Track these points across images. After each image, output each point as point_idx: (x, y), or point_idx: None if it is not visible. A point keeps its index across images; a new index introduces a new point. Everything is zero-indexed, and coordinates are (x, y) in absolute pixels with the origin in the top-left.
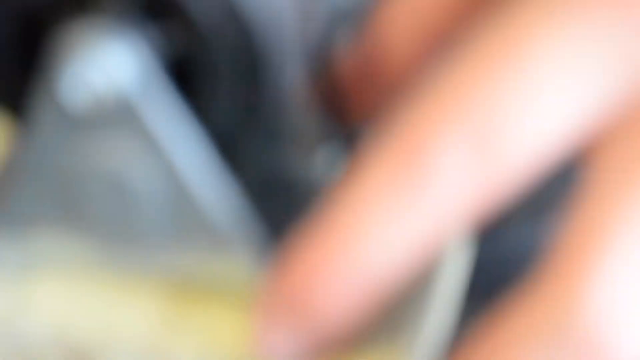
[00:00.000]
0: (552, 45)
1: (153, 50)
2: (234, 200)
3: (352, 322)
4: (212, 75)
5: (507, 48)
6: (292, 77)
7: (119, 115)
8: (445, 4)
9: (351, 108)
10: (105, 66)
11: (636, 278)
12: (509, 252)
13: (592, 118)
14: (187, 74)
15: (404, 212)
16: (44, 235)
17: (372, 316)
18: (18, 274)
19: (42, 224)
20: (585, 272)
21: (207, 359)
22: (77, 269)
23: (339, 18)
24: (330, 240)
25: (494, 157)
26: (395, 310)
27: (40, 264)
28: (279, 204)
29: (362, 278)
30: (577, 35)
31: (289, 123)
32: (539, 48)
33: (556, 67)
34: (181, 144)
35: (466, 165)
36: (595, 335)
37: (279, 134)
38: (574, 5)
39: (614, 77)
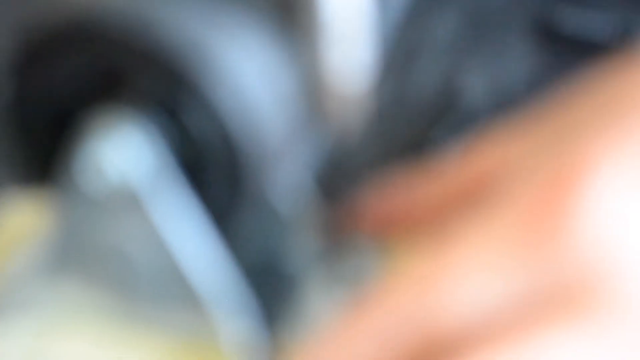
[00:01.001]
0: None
1: (165, 142)
2: (225, 279)
3: None
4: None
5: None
6: (283, 176)
7: (124, 200)
8: None
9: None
10: (119, 154)
11: None
12: None
13: None
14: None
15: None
16: (62, 300)
17: None
18: (37, 337)
19: (61, 289)
20: None
21: None
22: (89, 329)
23: None
24: None
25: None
26: None
27: (57, 326)
28: (268, 285)
29: None
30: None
31: (276, 214)
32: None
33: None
34: (179, 228)
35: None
36: None
37: (266, 222)
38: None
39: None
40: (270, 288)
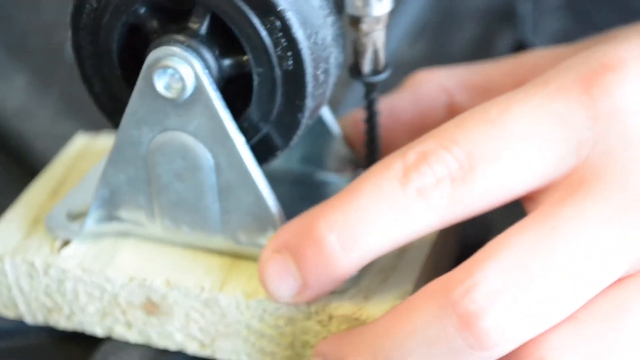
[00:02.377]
0: (526, 125)
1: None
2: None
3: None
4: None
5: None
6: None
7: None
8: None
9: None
10: (184, 69)
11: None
12: None
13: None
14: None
15: (394, 213)
16: (131, 213)
17: None
18: (106, 240)
19: (130, 203)
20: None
21: (247, 306)
22: (151, 241)
23: None
24: (335, 217)
25: (465, 188)
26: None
27: (124, 235)
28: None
29: (354, 250)
30: (544, 121)
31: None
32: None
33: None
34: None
35: (442, 187)
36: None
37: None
38: (542, 97)
39: (560, 155)
40: (309, 194)
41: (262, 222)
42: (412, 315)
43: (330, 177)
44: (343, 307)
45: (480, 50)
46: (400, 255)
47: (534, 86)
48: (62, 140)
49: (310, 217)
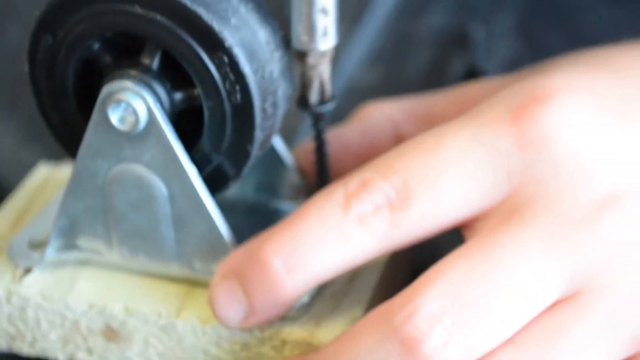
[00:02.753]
0: (459, 154)
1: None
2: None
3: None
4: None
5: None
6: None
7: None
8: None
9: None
10: (137, 103)
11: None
12: None
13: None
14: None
15: (335, 236)
16: (89, 242)
17: None
18: (66, 268)
19: (88, 232)
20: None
21: (203, 332)
22: (111, 269)
23: None
24: (280, 240)
25: (402, 216)
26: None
27: (84, 263)
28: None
29: (298, 271)
30: (476, 150)
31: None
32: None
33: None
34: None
35: (381, 215)
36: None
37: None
38: (474, 127)
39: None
40: (262, 222)
41: (216, 250)
42: (357, 342)
43: (284, 205)
44: (295, 333)
45: (435, 74)
46: (351, 281)
47: (468, 117)
48: (26, 167)
49: (257, 243)
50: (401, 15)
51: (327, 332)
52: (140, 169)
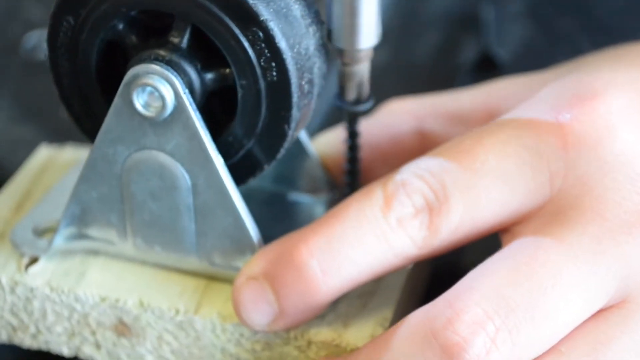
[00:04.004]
0: (498, 157)
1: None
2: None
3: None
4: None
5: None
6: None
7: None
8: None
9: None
10: (164, 88)
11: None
12: None
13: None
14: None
15: (375, 236)
16: (101, 231)
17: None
18: (75, 257)
19: (101, 221)
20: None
21: (223, 330)
22: (123, 260)
23: None
24: (317, 239)
25: (440, 222)
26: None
27: (93, 253)
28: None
29: (336, 272)
30: (515, 154)
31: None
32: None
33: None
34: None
35: (419, 220)
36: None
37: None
38: (513, 129)
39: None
40: (279, 214)
41: (240, 245)
42: (394, 347)
43: (302, 197)
44: (322, 333)
45: (444, 57)
46: (378, 280)
47: (508, 118)
48: (19, 145)
49: (291, 242)
50: None
51: (355, 333)
52: (163, 157)
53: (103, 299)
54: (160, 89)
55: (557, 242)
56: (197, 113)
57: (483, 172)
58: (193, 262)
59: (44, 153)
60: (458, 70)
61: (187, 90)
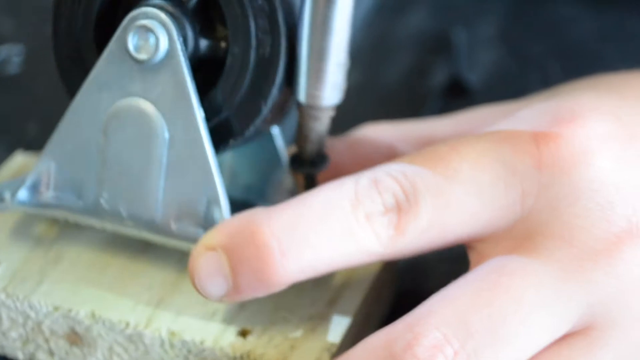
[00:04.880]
0: (472, 167)
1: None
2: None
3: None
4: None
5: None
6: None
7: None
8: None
9: None
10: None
11: None
12: None
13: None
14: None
15: (342, 227)
16: (69, 189)
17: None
18: (35, 266)
19: (72, 174)
20: None
21: (171, 346)
22: (79, 269)
23: None
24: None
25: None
26: None
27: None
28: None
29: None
30: (490, 167)
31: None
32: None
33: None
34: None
35: (388, 218)
36: None
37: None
38: (490, 142)
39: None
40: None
41: (207, 208)
42: None
43: None
44: (269, 355)
45: (416, 79)
46: (331, 304)
47: (487, 133)
48: None
49: (255, 218)
50: (380, 16)
51: (301, 356)
52: (146, 106)
53: (56, 308)
54: (155, 31)
55: (522, 267)
56: (187, 62)
57: (456, 180)
58: (153, 225)
59: (18, 160)
60: (429, 93)
61: (181, 39)
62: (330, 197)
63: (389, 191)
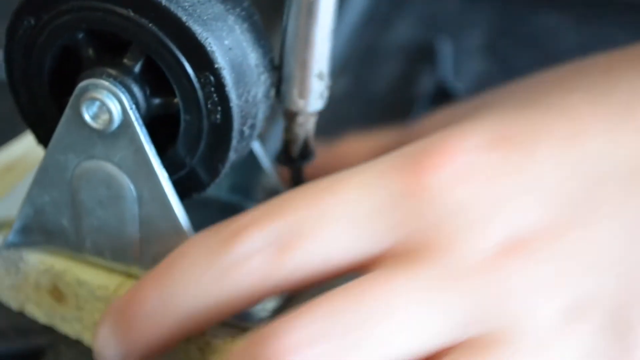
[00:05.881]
0: (351, 199)
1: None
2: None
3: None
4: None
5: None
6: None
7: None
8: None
9: None
10: (112, 103)
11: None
12: None
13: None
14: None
15: (212, 274)
16: (55, 232)
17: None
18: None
19: (54, 222)
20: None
21: None
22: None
23: None
24: (158, 278)
25: (285, 258)
26: None
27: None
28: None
29: (172, 313)
30: (364, 197)
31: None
32: (335, 196)
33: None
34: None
35: (264, 254)
36: None
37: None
38: (365, 173)
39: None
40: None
41: None
42: None
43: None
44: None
45: (403, 87)
46: None
47: (368, 164)
48: None
49: (138, 284)
50: (368, 26)
51: None
52: (110, 168)
53: (42, 262)
54: (107, 103)
55: (395, 276)
56: (143, 128)
57: (334, 213)
58: (136, 269)
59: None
60: (416, 100)
61: (134, 107)
62: (203, 244)
63: (263, 231)
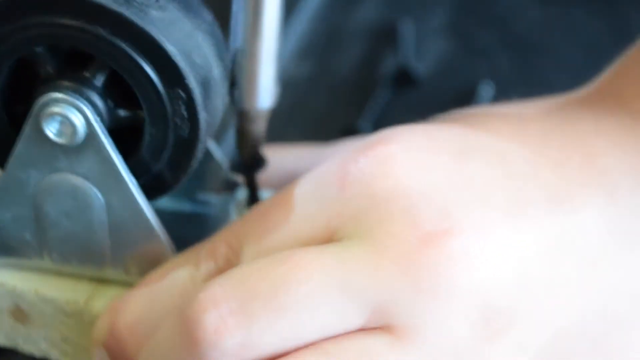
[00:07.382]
0: None
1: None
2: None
3: None
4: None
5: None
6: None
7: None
8: None
9: None
10: (74, 116)
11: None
12: None
13: None
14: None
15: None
16: (18, 248)
17: None
18: None
19: (17, 238)
20: None
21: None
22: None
23: None
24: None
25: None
26: None
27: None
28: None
29: None
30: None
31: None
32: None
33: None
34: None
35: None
36: None
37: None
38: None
39: None
40: (191, 212)
41: (154, 256)
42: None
43: (210, 197)
44: None
45: (366, 69)
46: None
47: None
48: None
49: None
50: (332, 8)
51: None
52: (75, 179)
53: (2, 285)
54: (70, 117)
55: (314, 254)
56: (109, 138)
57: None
58: (109, 272)
59: None
60: (378, 83)
61: (98, 118)
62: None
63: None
